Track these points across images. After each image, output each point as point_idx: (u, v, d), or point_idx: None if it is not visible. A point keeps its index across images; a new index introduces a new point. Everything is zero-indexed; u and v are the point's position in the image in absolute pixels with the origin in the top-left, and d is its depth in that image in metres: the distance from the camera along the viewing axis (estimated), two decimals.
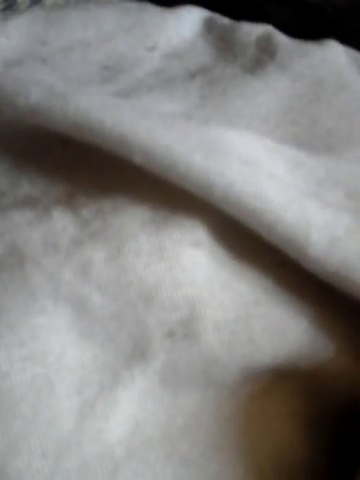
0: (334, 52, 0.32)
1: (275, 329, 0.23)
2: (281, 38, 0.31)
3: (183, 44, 0.31)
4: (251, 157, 0.24)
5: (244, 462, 0.24)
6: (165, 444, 0.23)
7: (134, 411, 0.22)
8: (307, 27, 0.34)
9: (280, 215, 0.22)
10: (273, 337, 0.23)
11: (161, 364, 0.23)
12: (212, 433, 0.24)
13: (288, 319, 0.24)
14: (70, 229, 0.23)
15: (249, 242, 0.24)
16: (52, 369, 0.21)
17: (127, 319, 0.22)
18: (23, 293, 0.21)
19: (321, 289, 0.24)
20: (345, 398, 0.25)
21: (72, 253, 0.22)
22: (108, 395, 0.22)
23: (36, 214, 0.23)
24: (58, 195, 0.24)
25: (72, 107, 0.21)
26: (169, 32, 0.31)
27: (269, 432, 0.25)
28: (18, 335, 0.21)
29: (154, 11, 0.31)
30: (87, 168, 0.24)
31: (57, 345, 0.21)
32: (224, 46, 0.31)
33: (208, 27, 0.32)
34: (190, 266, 0.23)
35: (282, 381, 0.25)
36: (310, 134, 0.28)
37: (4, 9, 0.31)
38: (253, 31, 0.31)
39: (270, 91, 0.29)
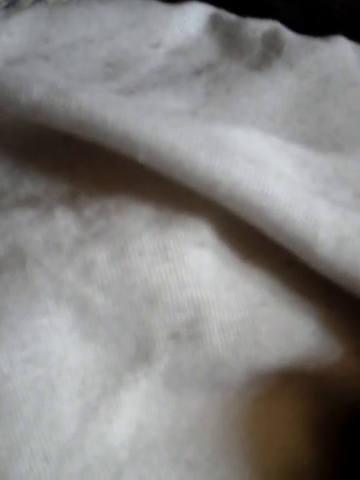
0: (342, 48, 0.31)
1: (282, 331, 0.23)
2: (288, 34, 0.31)
3: (188, 41, 0.31)
4: (257, 155, 0.23)
5: (250, 465, 0.24)
6: (170, 447, 0.23)
7: (138, 414, 0.22)
8: (314, 23, 0.34)
9: (288, 214, 0.22)
10: (280, 339, 0.23)
11: (165, 366, 0.22)
12: (218, 436, 0.23)
13: (295, 320, 0.23)
14: (72, 229, 0.22)
15: (255, 242, 0.24)
16: (54, 371, 0.21)
17: (131, 320, 0.22)
18: (25, 294, 0.21)
19: (329, 290, 0.23)
20: (352, 400, 0.24)
21: (75, 253, 0.22)
22: (111, 398, 0.22)
23: (38, 214, 0.23)
24: (60, 194, 0.23)
25: (74, 104, 0.21)
26: (174, 28, 0.30)
27: (275, 435, 0.24)
28: (19, 337, 0.21)
29: (158, 7, 0.31)
30: (90, 167, 0.24)
31: (59, 347, 0.21)
32: (230, 43, 0.31)
33: (213, 23, 0.31)
34: (195, 266, 0.22)
35: (289, 383, 0.24)
36: (318, 132, 0.28)
37: (7, 6, 0.31)
38: (259, 27, 0.31)
39: (277, 88, 0.29)
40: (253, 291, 0.23)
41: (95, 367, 0.22)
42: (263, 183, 0.22)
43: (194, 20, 0.31)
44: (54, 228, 0.22)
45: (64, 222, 0.22)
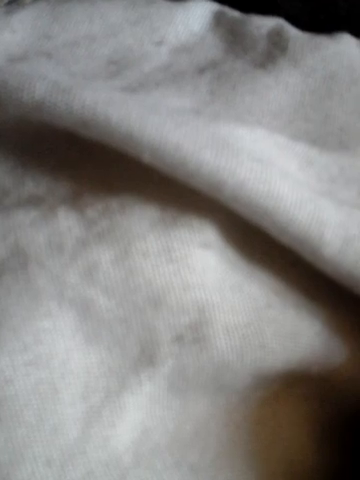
0: (347, 45, 0.31)
1: (287, 333, 0.23)
2: (292, 31, 0.31)
3: (192, 38, 0.30)
4: (263, 154, 0.23)
5: (255, 469, 0.23)
6: (174, 452, 0.22)
7: (142, 418, 0.22)
8: (319, 20, 0.33)
9: (293, 214, 0.21)
10: (285, 341, 0.23)
11: (170, 369, 0.22)
12: (222, 440, 0.23)
13: (300, 322, 0.23)
14: (75, 229, 0.22)
15: (259, 242, 0.23)
16: (57, 374, 0.21)
17: (134, 323, 0.21)
18: (27, 295, 0.21)
19: (334, 290, 0.23)
20: (357, 402, 0.24)
21: (78, 254, 0.22)
22: (115, 401, 0.21)
23: (40, 214, 0.22)
24: (63, 194, 0.23)
25: (78, 102, 0.21)
26: (177, 26, 0.30)
27: (280, 438, 0.24)
28: (21, 339, 0.20)
29: (161, 4, 0.30)
30: (93, 166, 0.23)
31: (62, 349, 0.21)
32: (234, 40, 0.30)
33: (217, 20, 0.31)
34: (199, 268, 0.22)
35: (294, 386, 0.24)
36: (323, 130, 0.28)
37: (9, 3, 0.30)
38: (264, 24, 0.31)
39: (281, 86, 0.28)
40: (258, 293, 0.23)
41: (98, 370, 0.21)
42: (269, 183, 0.21)
43: (198, 17, 0.31)
44: (57, 228, 0.22)
45: (67, 222, 0.22)
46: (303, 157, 0.25)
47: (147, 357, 0.22)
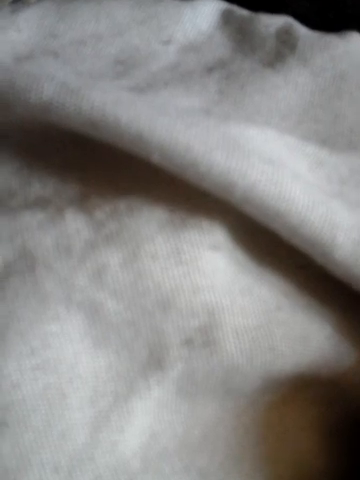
0: (356, 44, 0.31)
1: (297, 336, 0.23)
2: (301, 30, 0.30)
3: (200, 37, 0.30)
4: (273, 155, 0.23)
5: (263, 472, 0.23)
6: (182, 456, 0.22)
7: (150, 422, 0.22)
8: (327, 19, 0.33)
9: (305, 217, 0.21)
10: (295, 344, 0.23)
11: (179, 373, 0.22)
12: (230, 444, 0.23)
13: (310, 325, 0.23)
14: (83, 232, 0.22)
15: (269, 244, 0.23)
16: (65, 379, 0.20)
17: (143, 326, 0.21)
18: (34, 299, 0.21)
19: (344, 293, 0.23)
20: None
21: (86, 257, 0.21)
22: (123, 406, 0.21)
23: (48, 216, 0.22)
24: (71, 196, 0.23)
25: (86, 103, 0.21)
26: (185, 25, 0.30)
27: (288, 441, 0.24)
28: (29, 343, 0.20)
29: (169, 3, 0.30)
30: (101, 167, 0.23)
31: (70, 353, 0.21)
32: (242, 39, 0.30)
33: (225, 19, 0.31)
34: (209, 270, 0.22)
35: (303, 389, 0.24)
36: (332, 131, 0.27)
37: (14, 1, 0.30)
38: (272, 23, 0.30)
39: (291, 86, 0.28)
40: (268, 296, 0.23)
41: (107, 374, 0.21)
42: (280, 185, 0.21)
43: (206, 16, 0.30)
44: (65, 231, 0.22)
45: (75, 225, 0.22)
46: (313, 158, 0.25)
47: (156, 361, 0.21)
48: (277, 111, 0.27)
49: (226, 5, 0.31)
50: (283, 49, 0.30)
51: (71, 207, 0.22)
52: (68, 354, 0.21)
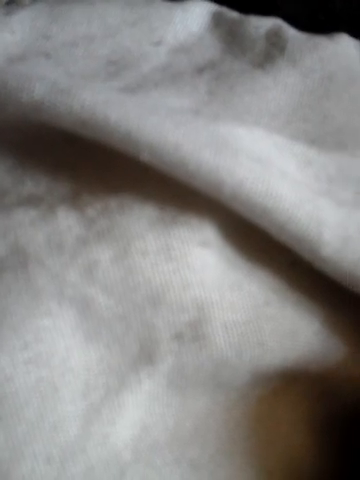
0: (345, 46, 0.31)
1: (286, 331, 0.23)
2: (291, 32, 0.31)
3: (190, 38, 0.30)
4: (261, 154, 0.23)
5: (254, 466, 0.23)
6: (173, 448, 0.22)
7: (141, 415, 0.22)
8: (317, 21, 0.34)
9: (292, 214, 0.21)
10: (284, 339, 0.23)
11: (169, 367, 0.22)
12: (221, 437, 0.23)
13: (299, 320, 0.23)
14: (75, 228, 0.22)
15: (259, 241, 0.23)
16: (57, 372, 0.21)
17: (134, 321, 0.22)
18: (27, 294, 0.21)
19: (333, 289, 0.23)
20: (356, 400, 0.24)
21: (77, 253, 0.22)
22: (114, 399, 0.21)
23: (40, 213, 0.22)
24: (63, 193, 0.23)
25: (77, 103, 0.21)
26: (176, 26, 0.30)
27: (279, 435, 0.24)
28: (22, 337, 0.20)
29: (160, 4, 0.30)
30: (92, 166, 0.23)
31: (62, 347, 0.21)
32: (232, 40, 0.30)
33: (216, 21, 0.31)
34: (198, 266, 0.22)
35: (292, 384, 0.24)
36: (321, 130, 0.28)
37: (8, 3, 0.30)
38: (262, 25, 0.31)
39: (280, 86, 0.28)
40: (257, 291, 0.23)
41: (98, 368, 0.21)
42: (268, 183, 0.21)
43: (196, 18, 0.31)
44: (56, 227, 0.22)
45: (67, 222, 0.22)
46: (302, 157, 0.25)
47: (146, 355, 0.22)
48: (266, 111, 0.28)
49: (216, 7, 0.32)
50: (272, 50, 0.30)
51: (63, 205, 0.23)
52: (60, 348, 0.21)
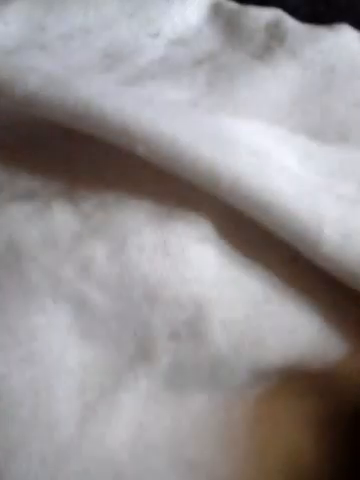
0: (346, 37, 0.31)
1: (285, 328, 0.23)
2: (291, 23, 0.30)
3: (188, 30, 0.30)
4: (260, 148, 0.23)
5: (252, 466, 0.23)
6: (170, 448, 0.22)
7: (138, 414, 0.22)
8: (318, 11, 0.33)
9: (291, 209, 0.21)
10: (283, 337, 0.23)
11: (166, 365, 0.22)
12: (219, 436, 0.23)
13: (299, 317, 0.23)
14: (70, 224, 0.22)
15: (258, 237, 0.23)
16: (52, 371, 0.20)
17: (130, 318, 0.21)
18: (21, 291, 0.21)
19: (333, 286, 0.23)
20: (355, 398, 0.24)
21: (72, 249, 0.21)
22: (110, 398, 0.21)
23: (35, 208, 0.22)
24: (58, 188, 0.23)
25: (71, 95, 0.21)
26: (173, 18, 0.30)
27: (278, 434, 0.24)
28: (16, 335, 0.20)
29: None
30: (88, 160, 0.23)
31: (57, 346, 0.21)
32: (231, 32, 0.30)
33: (214, 12, 0.31)
34: (196, 262, 0.22)
35: (292, 382, 0.24)
36: (322, 123, 0.27)
37: None
38: (262, 16, 0.30)
39: (280, 78, 0.28)
40: (256, 288, 0.23)
41: (94, 366, 0.21)
42: (266, 177, 0.21)
43: (194, 9, 0.30)
44: (51, 223, 0.22)
45: (62, 217, 0.22)
46: (302, 150, 0.25)
47: (143, 353, 0.21)
48: (266, 104, 0.27)
49: None
50: (272, 42, 0.30)
51: (58, 199, 0.22)
52: (55, 346, 0.21)
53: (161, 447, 0.22)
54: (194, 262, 0.22)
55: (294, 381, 0.24)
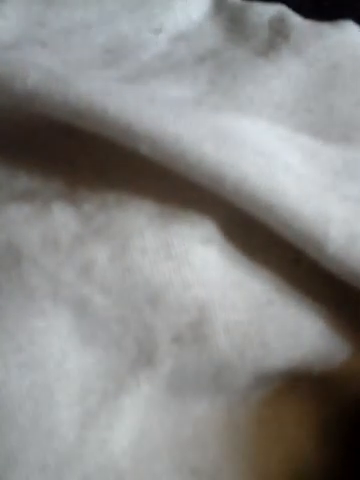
0: (351, 34, 0.30)
1: (289, 331, 0.22)
2: (295, 19, 0.30)
3: (191, 26, 0.29)
4: (265, 147, 0.22)
5: (255, 470, 0.23)
6: (173, 454, 0.22)
7: (140, 420, 0.21)
8: (322, 7, 0.33)
9: (297, 210, 0.21)
10: (287, 339, 0.22)
11: (169, 370, 0.21)
12: (223, 441, 0.23)
13: (303, 320, 0.23)
14: (71, 225, 0.21)
15: (261, 238, 0.23)
16: (52, 376, 0.20)
17: (132, 322, 0.21)
18: (20, 294, 0.20)
19: (337, 288, 0.23)
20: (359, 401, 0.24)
21: (73, 251, 0.21)
22: (112, 403, 0.21)
23: (35, 209, 0.22)
24: (58, 188, 0.22)
25: (73, 92, 0.20)
26: (176, 13, 0.29)
27: (281, 438, 0.24)
28: (15, 340, 0.20)
29: None
30: (90, 159, 0.23)
31: (57, 350, 0.20)
32: (234, 28, 0.30)
33: (217, 8, 0.30)
34: (199, 265, 0.21)
35: (295, 385, 0.24)
36: (326, 122, 0.27)
37: None
38: (265, 12, 0.30)
39: (284, 76, 0.28)
40: (260, 290, 0.22)
41: (95, 371, 0.21)
42: (272, 177, 0.21)
43: (197, 4, 0.30)
44: (51, 224, 0.21)
45: (62, 218, 0.21)
46: (306, 150, 0.25)
47: (145, 357, 0.21)
48: (270, 101, 0.27)
49: None
50: (276, 38, 0.29)
51: (59, 200, 0.22)
52: (55, 350, 0.20)
53: (163, 452, 0.22)
54: (197, 264, 0.21)
55: (298, 384, 0.24)
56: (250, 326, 0.22)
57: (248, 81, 0.27)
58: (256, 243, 0.23)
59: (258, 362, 0.22)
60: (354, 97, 0.28)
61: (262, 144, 0.22)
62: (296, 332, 0.22)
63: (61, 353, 0.20)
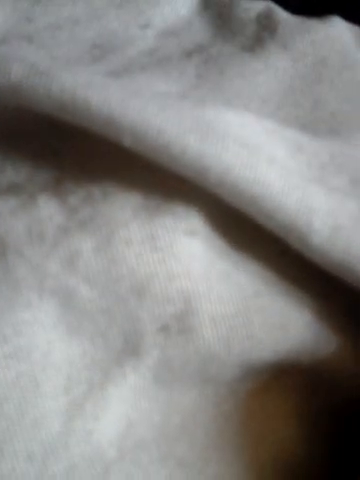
0: (338, 29, 0.30)
1: (276, 323, 0.22)
2: (282, 14, 0.30)
3: (178, 21, 0.30)
4: (250, 140, 0.22)
5: (243, 461, 0.23)
6: (160, 445, 0.22)
7: (126, 410, 0.21)
8: (309, 3, 0.33)
9: (281, 202, 0.21)
10: (274, 331, 0.22)
11: (155, 361, 0.21)
12: (210, 432, 0.23)
13: (290, 312, 0.23)
14: (56, 217, 0.21)
15: (247, 230, 0.23)
16: (38, 367, 0.20)
17: (118, 313, 0.21)
18: (5, 286, 0.20)
19: (324, 279, 0.23)
20: (347, 393, 0.24)
21: (58, 243, 0.21)
22: (98, 394, 0.21)
23: (20, 202, 0.22)
24: (44, 181, 0.22)
25: (56, 86, 0.20)
26: (163, 9, 0.29)
27: (269, 430, 0.24)
28: (1, 331, 0.20)
29: None
30: (75, 152, 0.23)
31: (43, 341, 0.20)
32: (222, 23, 0.30)
33: (205, 3, 0.30)
34: (185, 256, 0.21)
35: (283, 377, 0.24)
36: (313, 116, 0.27)
37: None
38: (252, 7, 0.30)
39: (270, 70, 0.28)
40: (246, 282, 0.23)
41: (81, 362, 0.21)
42: (255, 169, 0.21)
43: (185, 0, 0.30)
44: (37, 217, 0.21)
45: (48, 210, 0.21)
46: (293, 143, 0.25)
47: (131, 348, 0.21)
48: (256, 96, 0.27)
49: None
50: (263, 34, 0.29)
51: (44, 193, 0.22)
52: (41, 342, 0.20)
53: (150, 443, 0.22)
54: (183, 256, 0.21)
55: (285, 375, 0.24)
56: (236, 318, 0.22)
57: (235, 76, 0.27)
58: (242, 235, 0.23)
59: (245, 354, 0.22)
60: (341, 92, 0.28)
61: (247, 137, 0.22)
62: (283, 324, 0.22)
63: (47, 344, 0.20)
